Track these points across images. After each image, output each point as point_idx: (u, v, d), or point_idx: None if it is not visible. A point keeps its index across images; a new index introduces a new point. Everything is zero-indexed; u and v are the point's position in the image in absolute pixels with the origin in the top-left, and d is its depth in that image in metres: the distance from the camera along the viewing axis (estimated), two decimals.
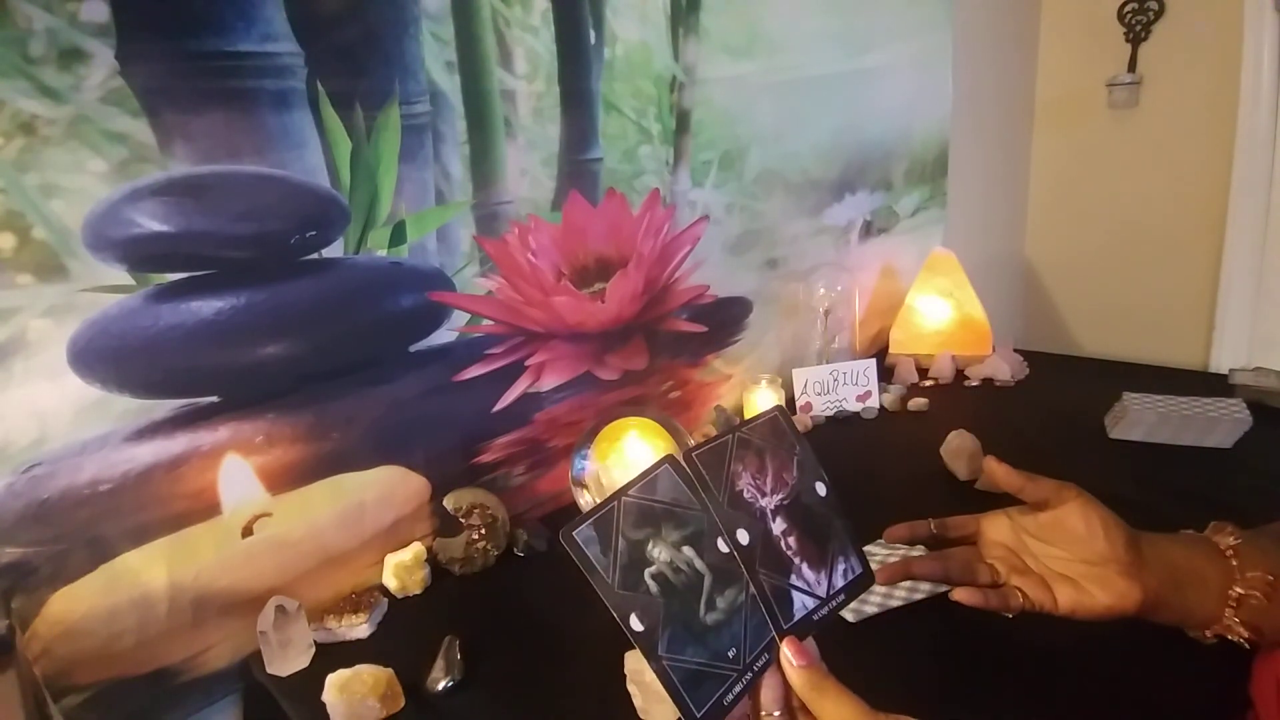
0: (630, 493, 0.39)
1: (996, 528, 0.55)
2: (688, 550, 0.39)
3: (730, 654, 0.39)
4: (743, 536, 0.41)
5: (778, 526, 0.42)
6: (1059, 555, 0.52)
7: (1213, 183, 1.56)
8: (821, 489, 0.45)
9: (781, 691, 0.40)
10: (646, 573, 0.38)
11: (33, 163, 0.56)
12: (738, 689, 0.39)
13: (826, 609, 0.43)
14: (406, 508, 0.83)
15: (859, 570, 0.45)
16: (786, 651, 0.40)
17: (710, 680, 0.38)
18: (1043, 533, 0.52)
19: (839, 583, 0.44)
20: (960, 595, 0.51)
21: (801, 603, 0.42)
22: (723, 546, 0.40)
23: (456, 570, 0.81)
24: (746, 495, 0.42)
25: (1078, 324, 1.85)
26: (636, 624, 0.37)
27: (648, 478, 0.40)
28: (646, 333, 1.01)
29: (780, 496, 0.43)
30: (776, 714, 0.40)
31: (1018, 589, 0.51)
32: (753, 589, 0.40)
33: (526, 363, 0.90)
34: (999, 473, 0.53)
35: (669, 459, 0.41)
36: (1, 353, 0.56)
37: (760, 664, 0.40)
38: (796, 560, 0.42)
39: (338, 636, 0.71)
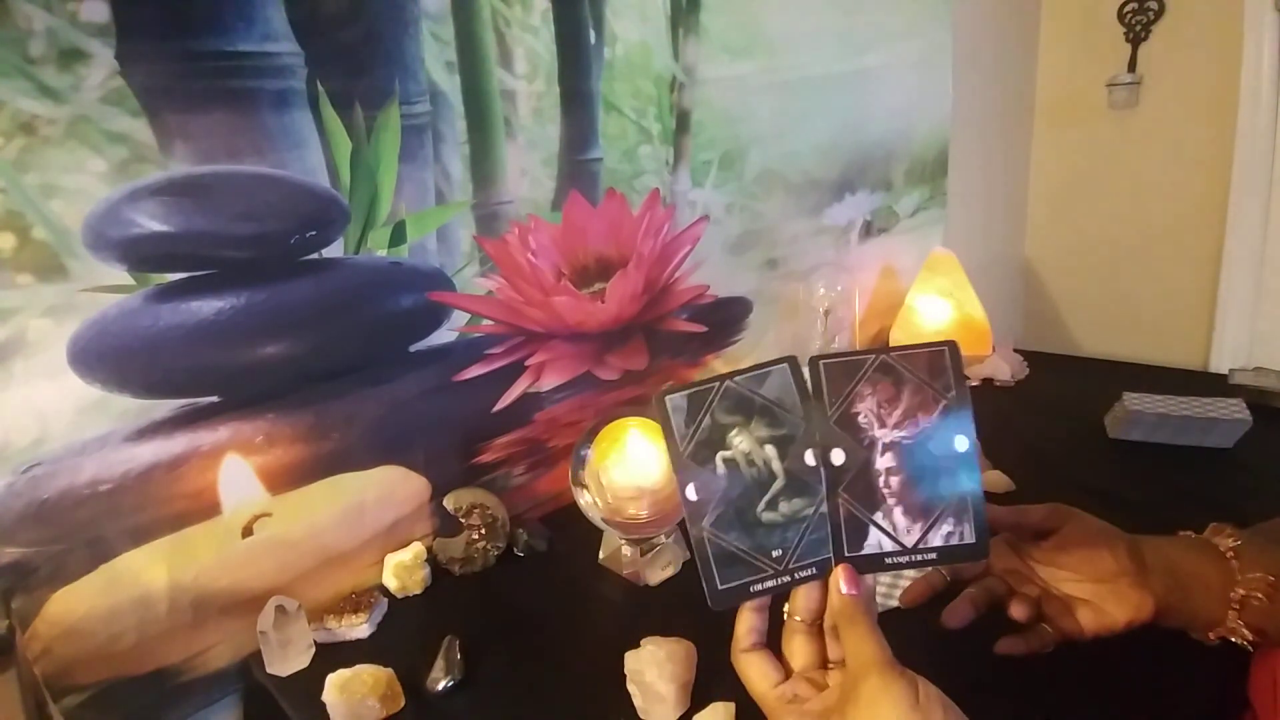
0: (736, 379, 0.39)
1: (1003, 558, 0.54)
2: (770, 450, 0.39)
3: (775, 554, 0.39)
4: (837, 456, 0.40)
5: (883, 462, 0.40)
6: (1068, 577, 0.51)
7: (1213, 183, 1.56)
8: (962, 445, 0.40)
9: (816, 605, 0.40)
10: (720, 455, 0.39)
11: (33, 163, 0.56)
12: (769, 584, 0.39)
13: (906, 559, 0.40)
14: (406, 508, 0.83)
15: (971, 540, 0.40)
16: (840, 577, 0.39)
17: (743, 565, 0.39)
18: (1047, 558, 0.52)
19: (936, 542, 0.40)
20: (1006, 647, 0.51)
21: (877, 540, 0.40)
22: (810, 460, 0.39)
23: (456, 570, 0.81)
24: (861, 420, 0.40)
25: (1078, 324, 1.85)
26: (691, 494, 0.38)
27: (760, 370, 0.40)
28: (646, 333, 1.01)
29: (902, 434, 0.40)
30: (804, 620, 0.40)
31: (1045, 626, 0.51)
32: (824, 508, 0.40)
33: (526, 363, 0.90)
34: (989, 512, 0.53)
35: (790, 359, 0.40)
36: (1, 353, 0.56)
37: (803, 574, 0.40)
38: (890, 501, 0.40)
39: (338, 636, 0.71)
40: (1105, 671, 0.57)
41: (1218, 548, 0.50)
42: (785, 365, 0.40)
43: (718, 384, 0.39)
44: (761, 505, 0.39)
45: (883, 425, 0.40)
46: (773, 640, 0.41)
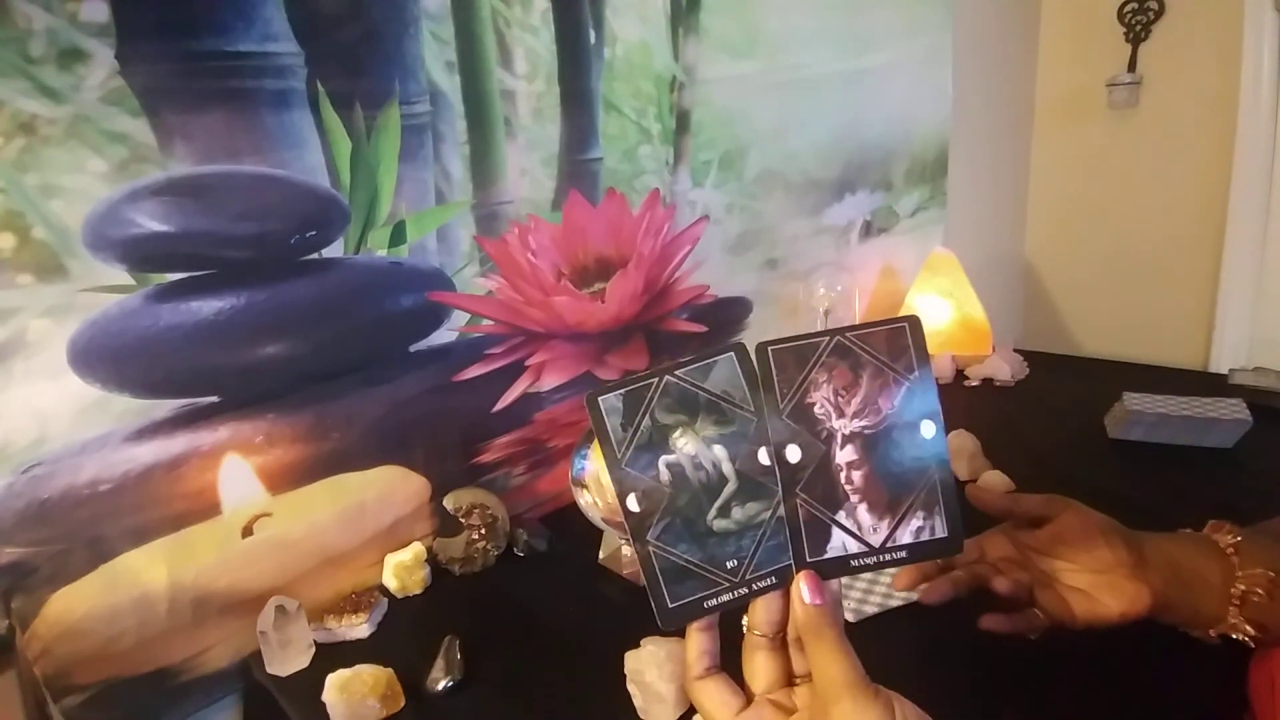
0: (677, 373, 0.35)
1: (998, 547, 0.54)
2: (719, 450, 0.35)
3: (729, 565, 0.36)
4: (792, 453, 0.36)
5: (844, 456, 0.36)
6: (1065, 567, 0.51)
7: (1213, 183, 1.56)
8: (929, 430, 0.37)
9: (777, 617, 0.37)
10: (663, 460, 0.35)
11: (33, 163, 0.56)
12: (724, 598, 0.36)
13: (874, 559, 0.37)
14: (406, 508, 0.83)
15: (943, 534, 0.37)
16: (803, 585, 0.35)
17: (696, 580, 0.35)
18: (1044, 546, 0.52)
19: (905, 539, 0.37)
20: (989, 622, 0.51)
21: (841, 542, 0.36)
22: (764, 459, 0.36)
23: (456, 570, 0.81)
24: (817, 410, 0.36)
25: (1078, 324, 1.85)
26: (633, 504, 0.35)
27: (704, 361, 0.36)
28: (646, 333, 1.01)
29: (862, 423, 0.36)
30: (765, 635, 0.37)
31: (1036, 610, 0.51)
32: (782, 511, 0.36)
33: (526, 363, 0.90)
34: (984, 498, 0.53)
35: (737, 346, 0.36)
36: (1, 353, 0.56)
37: (762, 585, 0.36)
38: (854, 499, 0.36)
39: (338, 636, 0.71)
40: (1104, 673, 0.57)
41: (1218, 544, 0.50)
42: (731, 354, 0.36)
43: (656, 379, 0.35)
44: (712, 513, 0.35)
45: (841, 415, 0.36)
46: (730, 661, 0.38)
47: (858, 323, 0.37)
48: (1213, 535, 0.52)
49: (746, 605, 0.37)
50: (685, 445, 0.35)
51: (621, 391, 0.35)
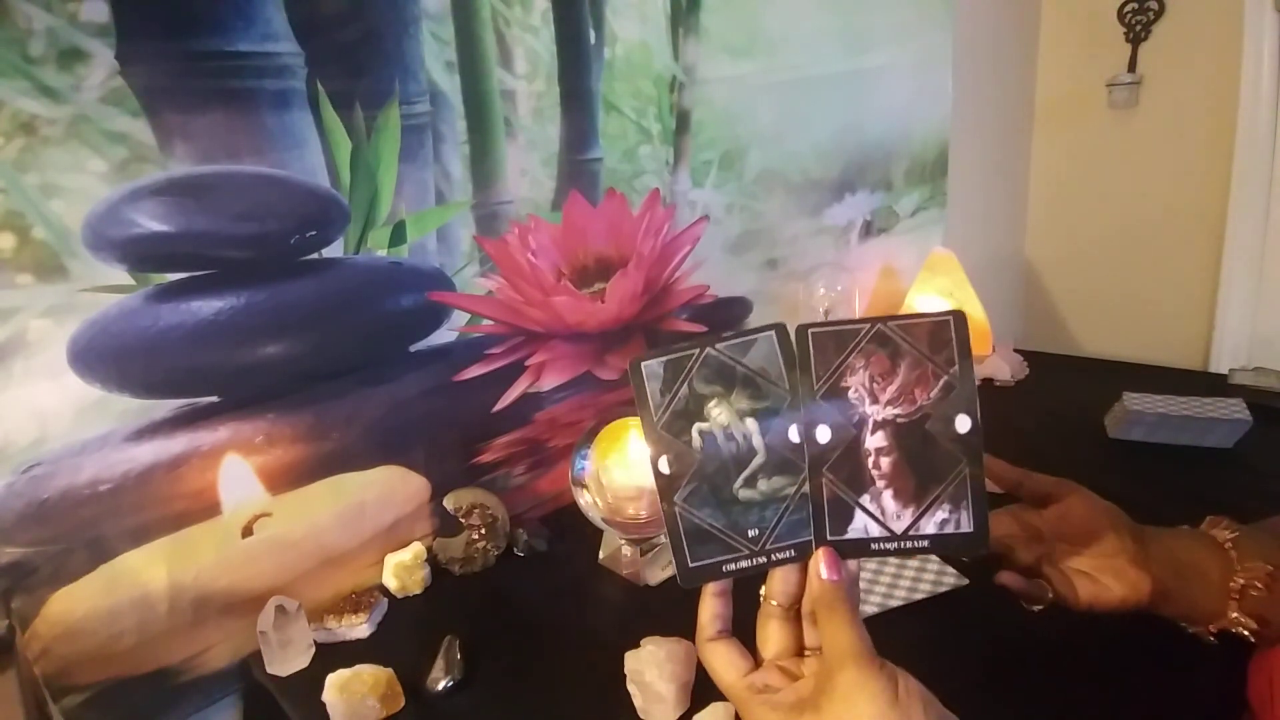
0: (718, 346, 0.37)
1: (1001, 526, 0.54)
2: (751, 423, 0.37)
3: (750, 534, 0.37)
4: (822, 434, 0.37)
5: (873, 441, 0.37)
6: (1069, 550, 0.52)
7: (1213, 183, 1.56)
8: (964, 425, 0.37)
9: (794, 589, 0.38)
10: (696, 427, 0.37)
11: (33, 163, 0.56)
12: (743, 564, 0.37)
13: (895, 545, 0.37)
14: (406, 508, 0.83)
15: (968, 529, 0.37)
16: (821, 560, 0.36)
17: (716, 544, 0.37)
18: (1049, 527, 0.52)
19: (929, 530, 0.37)
20: (1006, 578, 0.51)
21: (863, 525, 0.37)
22: (794, 436, 0.37)
23: (456, 570, 0.81)
24: (851, 395, 0.37)
25: (1078, 324, 1.85)
26: (664, 466, 0.37)
27: (746, 338, 0.37)
28: (647, 333, 1.01)
29: (895, 411, 0.36)
30: (780, 604, 0.38)
31: (1042, 582, 0.51)
32: (807, 488, 0.37)
33: (526, 363, 0.90)
34: (995, 468, 0.53)
35: (779, 326, 0.37)
36: (1, 353, 0.56)
37: (780, 556, 0.37)
38: (880, 484, 0.37)
39: (338, 636, 0.71)
40: (1104, 673, 0.57)
41: (1216, 539, 0.51)
42: (772, 333, 0.37)
43: (698, 351, 0.36)
44: (739, 482, 0.37)
45: (875, 401, 0.37)
46: (744, 629, 0.40)
47: (903, 313, 0.38)
48: (1210, 531, 0.52)
49: (764, 574, 0.38)
50: (719, 415, 0.37)
51: (664, 359, 0.37)
